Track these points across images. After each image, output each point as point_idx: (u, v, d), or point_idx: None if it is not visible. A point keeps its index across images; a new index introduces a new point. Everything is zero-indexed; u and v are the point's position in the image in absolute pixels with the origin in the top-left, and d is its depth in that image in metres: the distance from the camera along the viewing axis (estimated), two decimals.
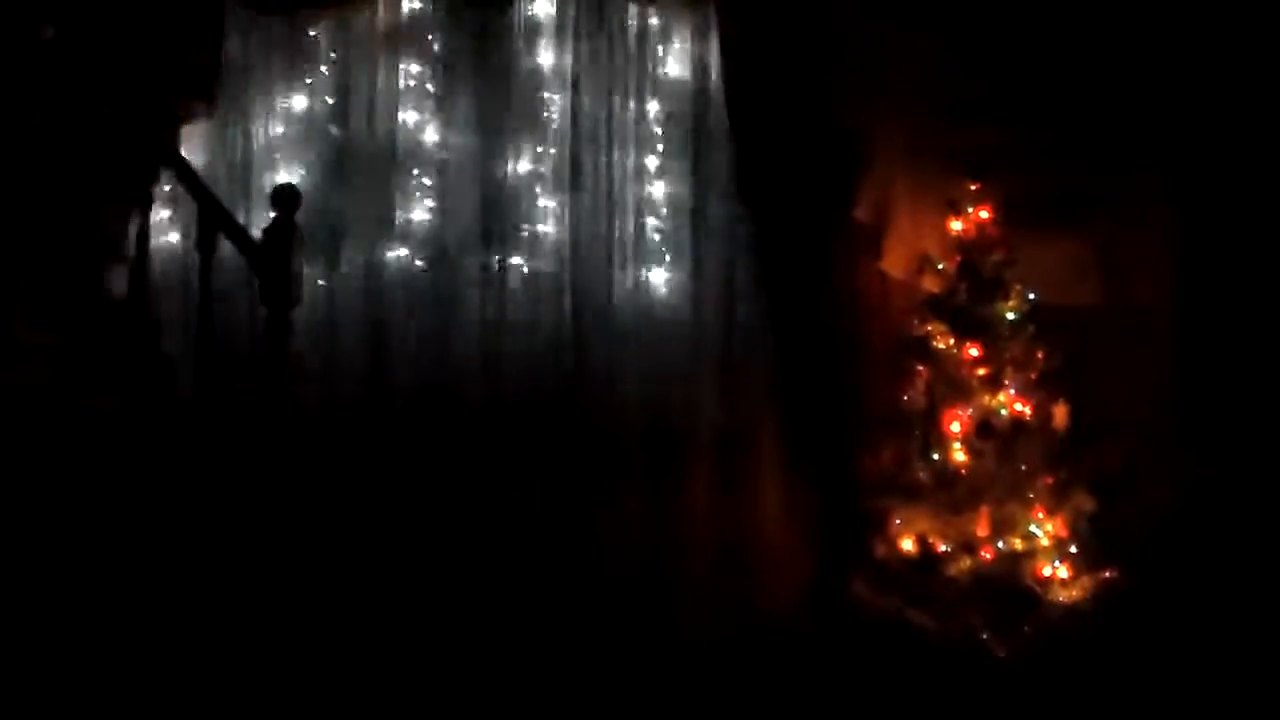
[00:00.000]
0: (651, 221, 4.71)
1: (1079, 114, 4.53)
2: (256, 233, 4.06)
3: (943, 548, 4.23)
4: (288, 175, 4.69)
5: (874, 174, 4.58)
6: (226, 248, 4.02)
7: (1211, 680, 4.00)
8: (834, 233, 4.55)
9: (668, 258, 4.72)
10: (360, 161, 4.78)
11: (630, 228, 4.70)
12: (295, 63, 4.83)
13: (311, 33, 4.79)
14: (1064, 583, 4.18)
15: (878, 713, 4.09)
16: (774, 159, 4.54)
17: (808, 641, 4.28)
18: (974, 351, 4.35)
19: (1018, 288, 4.40)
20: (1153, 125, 4.51)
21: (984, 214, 4.44)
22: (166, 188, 4.55)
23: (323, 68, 4.84)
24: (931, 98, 4.52)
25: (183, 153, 4.45)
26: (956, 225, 4.46)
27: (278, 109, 4.84)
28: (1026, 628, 4.11)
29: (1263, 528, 4.26)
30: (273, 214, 3.96)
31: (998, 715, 4.03)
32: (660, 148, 4.73)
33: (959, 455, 4.29)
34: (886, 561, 4.29)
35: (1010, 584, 4.16)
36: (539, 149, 4.72)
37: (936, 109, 4.52)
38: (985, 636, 4.11)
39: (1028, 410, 4.32)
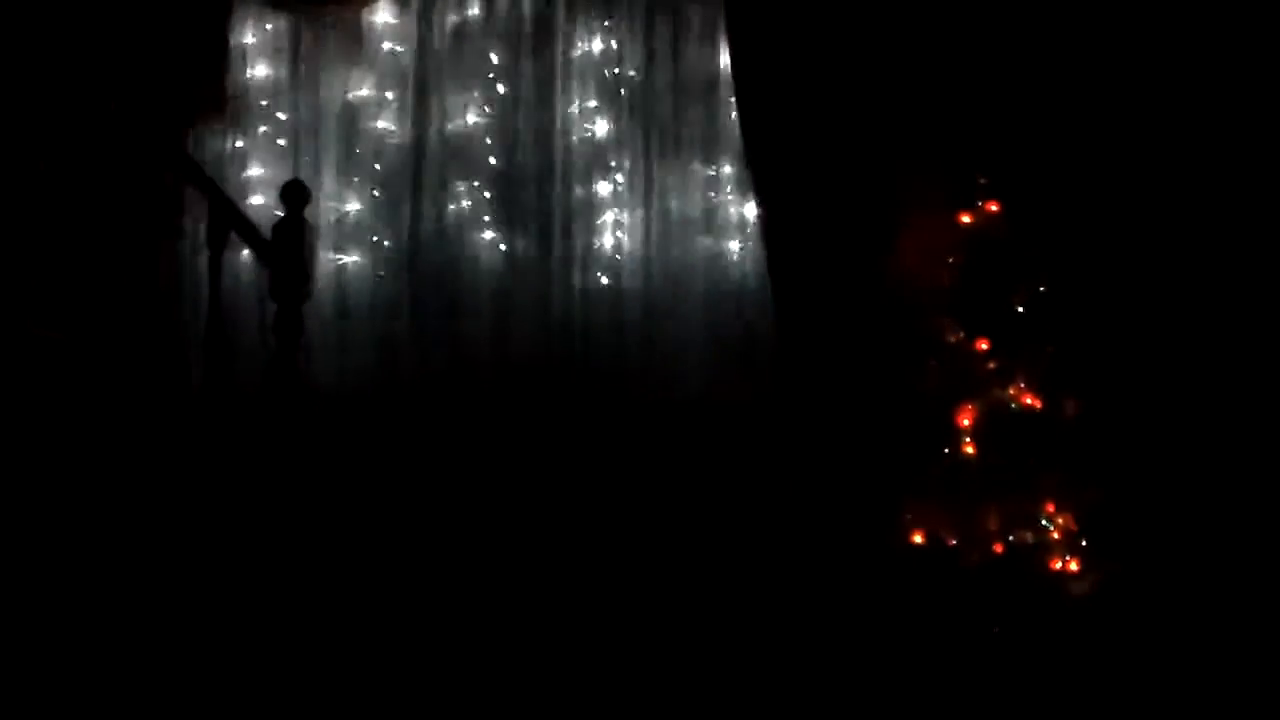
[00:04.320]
0: (665, 211, 4.75)
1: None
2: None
3: (953, 541, 4.22)
4: (298, 171, 4.71)
5: (884, 166, 4.56)
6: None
7: (1216, 673, 3.99)
8: (842, 224, 4.54)
9: (679, 248, 4.75)
10: (374, 156, 4.81)
11: (641, 218, 4.73)
12: (304, 58, 4.86)
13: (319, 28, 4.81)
14: (1075, 576, 4.17)
15: (887, 705, 4.08)
16: (784, 151, 4.54)
17: (816, 632, 4.27)
18: (984, 345, 4.35)
19: (1028, 281, 4.39)
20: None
21: (993, 207, 4.43)
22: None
23: (331, 62, 4.87)
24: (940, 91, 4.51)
25: (191, 149, 4.46)
26: (966, 218, 4.45)
27: (287, 105, 4.87)
28: (1037, 622, 4.10)
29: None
30: (282, 210, 3.98)
31: (1008, 709, 4.02)
32: (671, 138, 4.77)
33: (969, 449, 4.29)
34: (896, 555, 4.28)
35: (1021, 578, 4.15)
36: (546, 142, 4.76)
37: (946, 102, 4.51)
38: (995, 630, 4.11)
39: (1038, 404, 4.31)
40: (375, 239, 4.83)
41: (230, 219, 3.96)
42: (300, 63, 4.88)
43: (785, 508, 4.51)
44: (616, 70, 4.84)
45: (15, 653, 3.40)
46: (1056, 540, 4.19)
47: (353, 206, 4.84)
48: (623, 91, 4.84)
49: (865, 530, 4.36)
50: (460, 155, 4.81)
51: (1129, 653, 4.04)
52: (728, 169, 4.84)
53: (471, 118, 4.82)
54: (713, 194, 4.82)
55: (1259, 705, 3.88)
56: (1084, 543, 4.20)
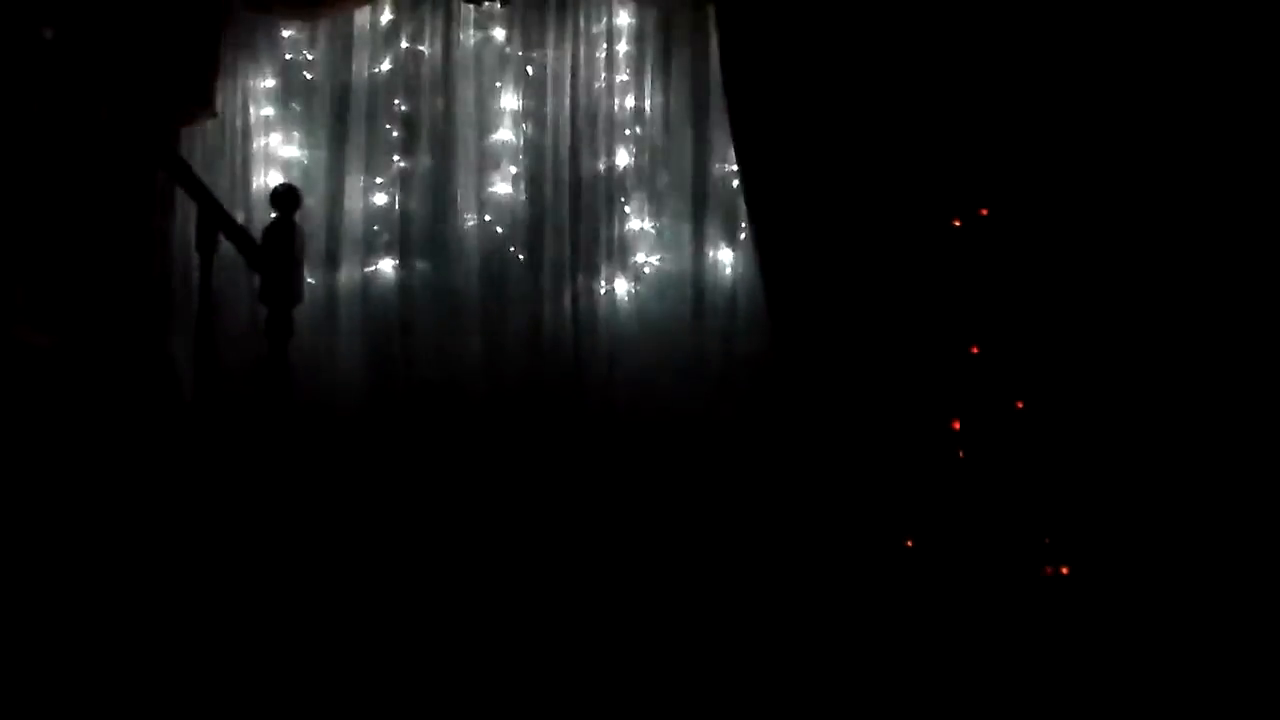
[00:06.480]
0: (656, 215, 4.77)
1: None
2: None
3: (945, 546, 4.23)
4: (287, 176, 4.72)
5: (876, 170, 4.57)
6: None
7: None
8: (834, 229, 4.55)
9: (671, 252, 4.77)
10: (364, 163, 4.82)
11: (632, 223, 4.75)
12: (294, 62, 4.87)
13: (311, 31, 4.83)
14: (1067, 579, 4.18)
15: (885, 703, 4.08)
16: (776, 158, 4.55)
17: (814, 638, 4.28)
18: (974, 350, 4.36)
19: (1019, 285, 4.40)
20: None
21: (984, 213, 4.44)
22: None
23: (322, 66, 4.88)
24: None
25: (182, 153, 4.46)
26: (956, 223, 4.46)
27: (277, 109, 4.87)
28: (1031, 626, 4.10)
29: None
30: (273, 214, 3.98)
31: (1006, 712, 4.02)
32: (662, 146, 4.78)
33: (960, 453, 4.30)
34: (888, 559, 4.29)
35: (1013, 584, 4.16)
36: (539, 143, 4.79)
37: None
38: (990, 635, 4.11)
39: (1029, 406, 4.32)
40: (368, 245, 4.82)
41: (220, 222, 3.95)
42: (293, 65, 4.88)
43: (779, 515, 4.51)
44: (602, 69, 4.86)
45: (8, 658, 3.39)
46: (1048, 545, 4.20)
47: (346, 209, 4.83)
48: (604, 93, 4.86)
49: (857, 536, 4.36)
50: (457, 162, 4.83)
51: (1117, 653, 4.05)
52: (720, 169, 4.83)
53: (467, 127, 4.83)
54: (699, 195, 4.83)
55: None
56: (1076, 547, 4.21)
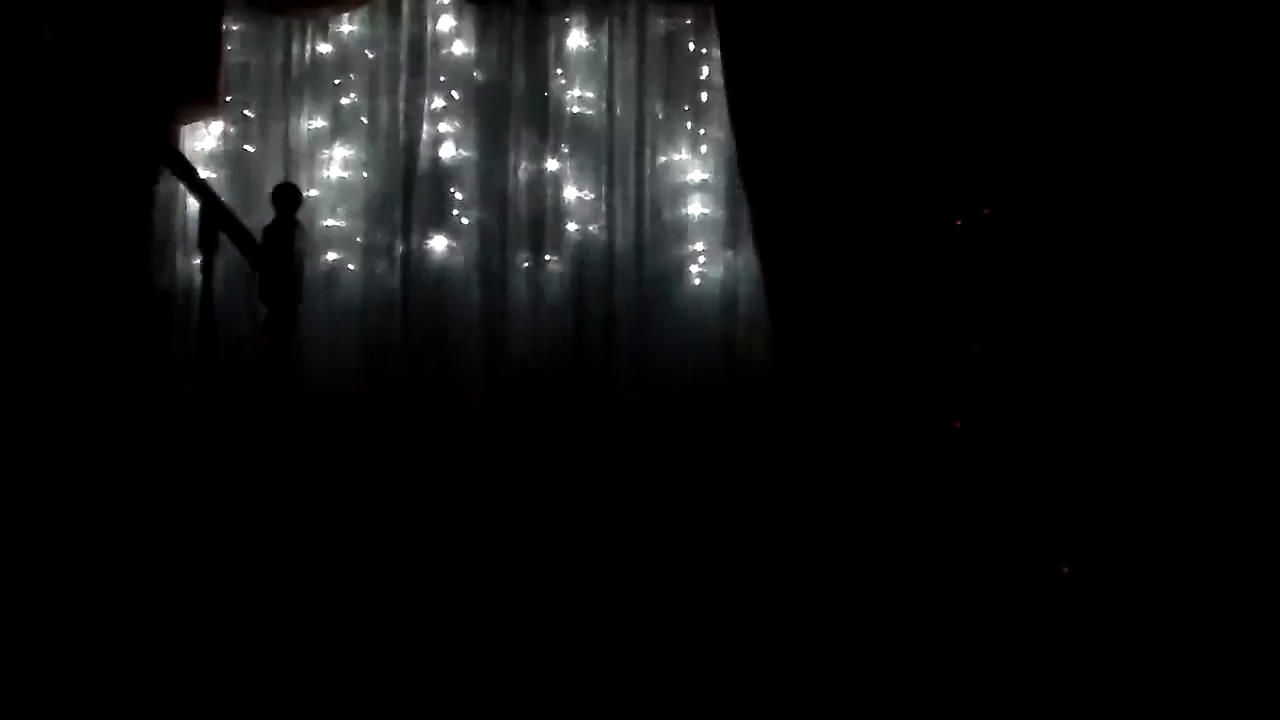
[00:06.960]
0: (655, 214, 4.76)
1: None
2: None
3: (946, 542, 4.23)
4: (289, 174, 4.72)
5: (878, 170, 4.57)
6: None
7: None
8: (835, 229, 4.56)
9: (673, 249, 4.79)
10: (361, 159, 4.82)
11: (633, 222, 4.75)
12: (296, 61, 4.87)
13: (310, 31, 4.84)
14: (1068, 575, 4.18)
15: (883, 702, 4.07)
16: (777, 156, 4.55)
17: (815, 635, 4.27)
18: (975, 349, 4.36)
19: (1020, 284, 4.39)
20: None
21: (985, 211, 4.44)
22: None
23: (322, 65, 4.89)
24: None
25: (183, 151, 4.46)
26: (958, 223, 4.46)
27: (279, 108, 4.88)
28: (1033, 620, 4.10)
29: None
30: (274, 212, 3.99)
31: (1003, 707, 4.01)
32: (665, 142, 4.80)
33: (961, 450, 4.30)
34: (889, 555, 4.29)
35: (1016, 578, 4.16)
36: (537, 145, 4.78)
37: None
38: (991, 629, 4.10)
39: (1028, 406, 4.31)
40: (365, 243, 4.83)
41: (221, 220, 3.96)
42: (292, 66, 4.89)
43: (778, 508, 4.52)
44: (606, 74, 4.86)
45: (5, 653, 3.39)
46: (1048, 542, 4.19)
47: (342, 209, 4.84)
48: (613, 97, 4.85)
49: (857, 534, 4.36)
50: (450, 159, 4.84)
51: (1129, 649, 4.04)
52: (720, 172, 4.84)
53: (460, 122, 4.84)
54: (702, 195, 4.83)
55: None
56: (1077, 546, 4.20)
